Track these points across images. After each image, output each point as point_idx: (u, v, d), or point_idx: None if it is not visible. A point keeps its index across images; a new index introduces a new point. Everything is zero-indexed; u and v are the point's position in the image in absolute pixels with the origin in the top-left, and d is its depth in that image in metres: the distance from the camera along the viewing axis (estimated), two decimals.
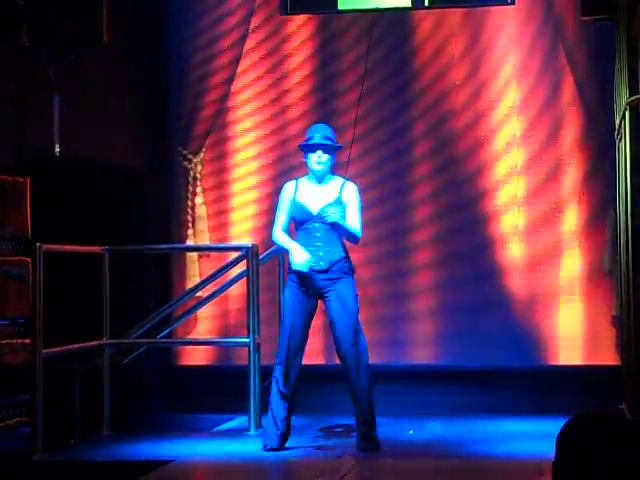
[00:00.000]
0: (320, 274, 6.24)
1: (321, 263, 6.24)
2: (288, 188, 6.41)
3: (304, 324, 6.32)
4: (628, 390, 6.63)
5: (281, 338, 6.34)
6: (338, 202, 6.28)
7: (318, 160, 6.30)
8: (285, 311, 6.34)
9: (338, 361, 6.48)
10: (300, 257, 6.18)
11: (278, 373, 6.34)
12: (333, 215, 6.16)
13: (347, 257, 6.32)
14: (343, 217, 6.24)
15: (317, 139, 6.31)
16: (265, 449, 6.31)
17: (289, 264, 6.33)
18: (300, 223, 6.33)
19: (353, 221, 6.27)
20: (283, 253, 7.81)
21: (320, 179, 6.35)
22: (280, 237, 6.38)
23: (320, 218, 6.23)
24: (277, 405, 6.33)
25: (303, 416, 7.71)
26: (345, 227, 6.23)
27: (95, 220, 7.62)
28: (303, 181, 6.41)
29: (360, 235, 6.30)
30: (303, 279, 6.25)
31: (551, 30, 8.19)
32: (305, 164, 6.40)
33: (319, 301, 6.34)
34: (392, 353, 8.19)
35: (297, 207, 6.33)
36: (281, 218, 6.40)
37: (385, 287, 8.32)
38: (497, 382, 7.80)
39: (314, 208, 6.28)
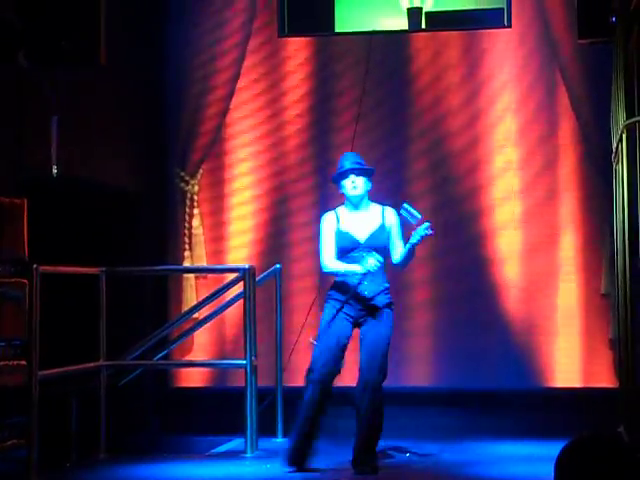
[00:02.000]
0: (362, 302, 6.28)
1: (366, 292, 6.28)
2: (329, 218, 6.44)
3: (338, 346, 6.31)
4: (625, 413, 6.62)
5: (313, 358, 6.36)
6: (382, 228, 6.35)
7: (353, 185, 6.36)
8: (320, 332, 6.36)
9: (336, 383, 6.47)
10: (364, 263, 6.21)
11: (308, 393, 6.36)
12: (373, 264, 6.19)
13: (389, 288, 6.36)
14: (384, 245, 6.29)
15: (348, 165, 6.40)
16: (288, 470, 6.30)
17: (331, 286, 6.37)
18: (346, 252, 6.34)
19: (399, 246, 6.33)
20: (279, 275, 7.82)
21: (357, 205, 6.40)
22: (335, 264, 6.34)
23: (367, 247, 6.28)
24: (303, 425, 6.33)
25: None
26: (402, 263, 6.32)
27: (92, 241, 7.63)
28: (342, 210, 6.46)
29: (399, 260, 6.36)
30: (344, 304, 6.28)
31: (547, 53, 8.22)
32: (340, 195, 6.44)
33: (355, 328, 6.36)
34: (390, 374, 8.16)
35: (342, 236, 6.35)
36: (329, 248, 6.38)
37: None
38: (494, 404, 7.79)
39: (361, 236, 6.33)
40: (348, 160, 6.44)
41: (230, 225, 8.60)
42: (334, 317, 6.29)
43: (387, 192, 8.29)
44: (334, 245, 6.36)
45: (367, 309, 6.30)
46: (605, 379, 7.91)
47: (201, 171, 8.60)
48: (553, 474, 2.69)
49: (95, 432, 7.07)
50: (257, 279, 7.40)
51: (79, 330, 7.24)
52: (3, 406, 6.21)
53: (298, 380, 8.17)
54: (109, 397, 7.16)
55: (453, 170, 8.33)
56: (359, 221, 6.38)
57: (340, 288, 6.33)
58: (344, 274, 6.29)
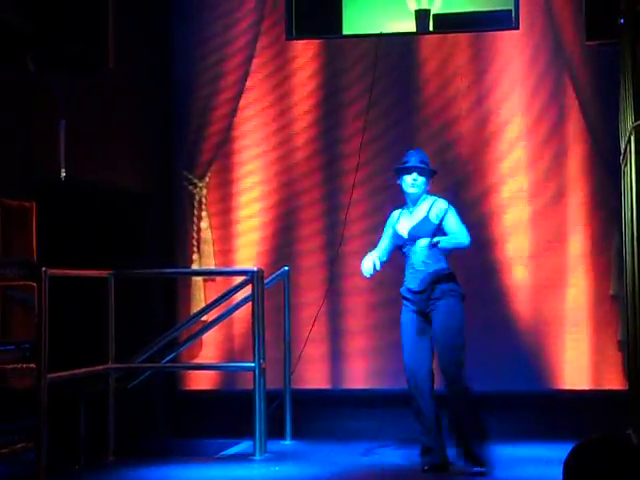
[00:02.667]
0: (423, 294, 6.33)
1: (420, 285, 6.34)
2: (394, 214, 6.58)
3: (422, 342, 6.34)
4: (634, 415, 6.61)
5: (406, 368, 6.39)
6: (425, 221, 6.39)
7: (412, 182, 6.42)
8: (402, 333, 6.41)
9: (345, 386, 6.48)
10: (365, 263, 6.34)
11: (413, 396, 6.36)
12: (424, 244, 6.27)
13: (450, 275, 6.39)
14: (430, 234, 6.31)
15: (413, 162, 6.44)
16: (424, 469, 6.33)
17: (401, 291, 6.44)
18: (399, 248, 6.46)
19: (453, 231, 6.34)
20: (287, 277, 7.83)
21: (414, 202, 6.47)
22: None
23: (411, 241, 6.36)
24: (427, 426, 6.35)
25: (309, 440, 7.70)
26: (442, 245, 6.31)
27: (100, 244, 7.64)
28: (404, 209, 6.55)
29: (466, 241, 6.37)
30: (412, 299, 6.36)
31: (556, 55, 8.20)
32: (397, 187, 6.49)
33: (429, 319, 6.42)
34: (397, 377, 8.17)
35: (394, 233, 6.49)
36: (382, 243, 6.56)
37: (387, 311, 8.30)
38: (503, 406, 7.77)
39: (403, 231, 6.43)
40: (414, 157, 6.48)
41: (238, 228, 8.61)
42: (408, 317, 6.38)
43: (396, 197, 8.30)
44: (387, 241, 6.52)
45: (429, 300, 6.32)
46: (614, 381, 7.90)
47: (209, 174, 8.61)
48: (561, 476, 2.69)
49: (104, 435, 7.08)
50: (265, 282, 7.40)
51: (88, 333, 7.25)
52: (12, 409, 6.22)
53: (306, 382, 8.19)
54: (118, 400, 7.17)
55: (461, 173, 8.32)
56: (409, 217, 6.46)
57: (404, 285, 6.43)
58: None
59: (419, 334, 6.36)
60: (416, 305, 6.37)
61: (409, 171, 6.43)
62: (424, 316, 6.38)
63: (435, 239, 6.28)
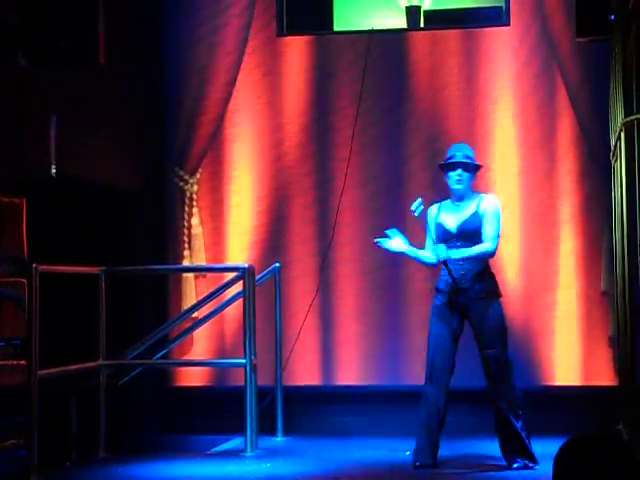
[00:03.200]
0: (463, 292, 6.31)
1: (463, 281, 6.31)
2: (432, 210, 6.54)
3: (450, 343, 6.36)
4: (625, 411, 6.62)
5: (428, 358, 6.39)
6: (475, 215, 6.39)
7: (458, 179, 6.40)
8: (431, 329, 6.40)
9: (336, 382, 6.49)
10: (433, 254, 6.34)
11: (427, 393, 6.35)
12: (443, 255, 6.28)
13: (491, 275, 6.39)
14: (475, 233, 6.33)
15: (458, 158, 6.41)
16: (415, 466, 6.33)
17: (436, 284, 6.44)
18: (443, 242, 6.39)
19: (487, 232, 6.36)
20: (278, 274, 7.83)
21: (460, 198, 6.45)
22: (419, 253, 6.52)
23: (460, 236, 6.34)
24: (427, 425, 6.34)
25: (300, 437, 7.70)
26: (465, 256, 6.32)
27: (91, 241, 7.63)
28: (446, 203, 6.53)
29: (491, 249, 6.37)
30: (448, 297, 6.34)
31: (546, 51, 8.21)
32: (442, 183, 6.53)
33: (465, 320, 6.42)
34: (389, 372, 8.18)
35: (438, 226, 6.44)
36: (427, 240, 6.53)
37: (378, 305, 8.30)
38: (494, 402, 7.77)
39: (452, 226, 6.40)
40: (460, 152, 6.45)
41: (229, 224, 8.60)
42: (441, 315, 6.37)
43: (385, 189, 8.33)
44: (430, 236, 6.47)
45: (469, 299, 6.31)
46: (604, 377, 7.91)
47: (200, 170, 8.60)
48: (552, 472, 2.69)
49: (95, 431, 7.08)
50: (257, 278, 7.41)
51: (78, 329, 7.24)
52: (3, 406, 6.22)
53: (298, 379, 8.19)
54: (109, 396, 7.17)
55: None
56: (456, 211, 6.44)
57: (442, 280, 6.40)
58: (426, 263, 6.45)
59: (449, 329, 6.35)
60: (453, 303, 6.35)
61: (454, 167, 6.40)
62: (460, 316, 6.37)
63: (451, 253, 6.26)
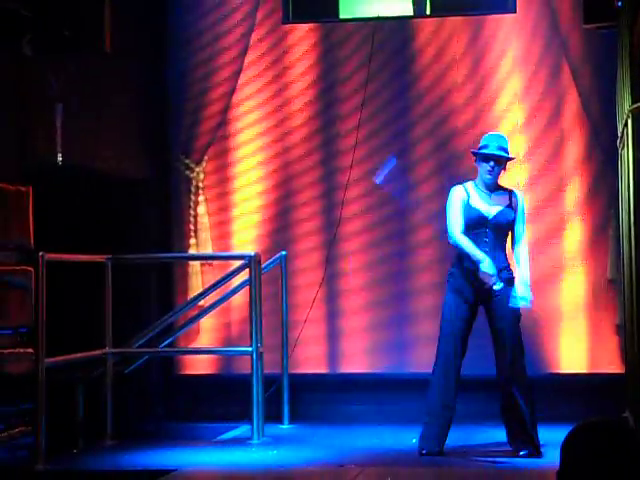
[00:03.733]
0: (483, 282, 6.28)
1: (489, 271, 6.28)
2: (459, 191, 6.44)
3: (464, 330, 6.35)
4: (631, 398, 6.62)
5: (440, 344, 6.37)
6: (509, 208, 6.40)
7: (490, 170, 6.37)
8: (445, 316, 6.38)
9: (342, 370, 6.49)
10: (489, 269, 6.23)
11: (437, 380, 6.34)
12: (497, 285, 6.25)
13: (510, 265, 6.39)
14: (509, 225, 6.36)
15: (492, 149, 6.37)
16: (421, 453, 6.32)
17: (451, 267, 6.40)
18: (472, 227, 6.35)
19: (520, 231, 6.41)
20: (284, 262, 7.83)
21: (489, 187, 6.43)
22: (464, 241, 6.34)
23: (494, 224, 6.33)
24: (436, 412, 6.32)
25: (306, 424, 7.71)
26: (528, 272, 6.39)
27: (97, 229, 7.63)
28: (471, 187, 6.46)
29: (527, 251, 6.46)
30: (466, 284, 6.31)
31: (553, 38, 8.17)
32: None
33: (479, 308, 6.41)
34: (394, 360, 8.18)
35: (471, 211, 6.37)
36: (459, 220, 6.37)
37: (383, 293, 8.30)
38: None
39: (489, 213, 6.36)
40: (495, 142, 6.40)
41: (235, 212, 8.59)
42: (456, 302, 6.33)
43: (391, 178, 8.32)
44: (462, 218, 6.37)
45: (489, 288, 6.28)
46: (611, 365, 7.90)
47: (206, 158, 8.59)
48: (559, 459, 2.69)
49: (101, 419, 7.09)
50: (263, 266, 7.40)
51: (85, 318, 7.25)
52: (10, 393, 6.23)
53: (304, 367, 8.19)
54: (115, 384, 7.18)
55: (456, 156, 8.29)
56: (488, 199, 6.41)
57: (463, 267, 6.33)
58: (468, 254, 6.28)
59: (466, 322, 6.35)
60: (472, 290, 6.32)
61: (487, 158, 6.38)
62: (476, 304, 6.36)
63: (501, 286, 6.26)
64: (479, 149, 6.42)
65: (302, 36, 8.56)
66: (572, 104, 8.16)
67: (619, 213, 7.15)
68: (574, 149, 8.18)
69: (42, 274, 6.27)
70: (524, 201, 6.53)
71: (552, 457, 2.84)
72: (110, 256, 7.20)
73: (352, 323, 8.31)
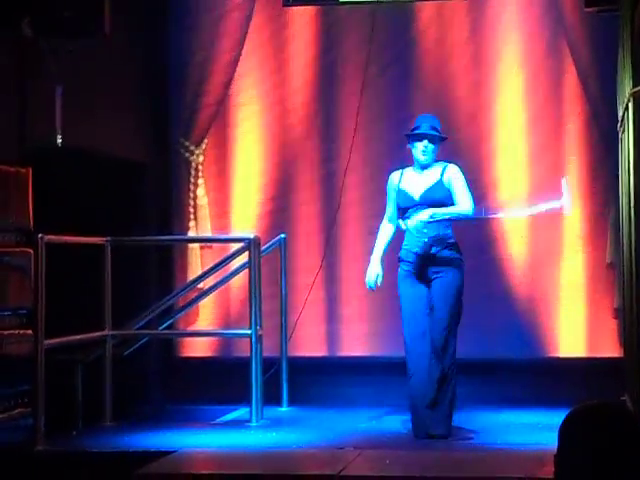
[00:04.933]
0: (426, 260, 6.34)
1: (427, 248, 6.34)
2: (393, 177, 6.56)
3: (422, 308, 6.37)
4: (630, 381, 6.63)
5: (404, 328, 6.42)
6: (439, 184, 6.42)
7: (424, 150, 6.42)
8: (402, 300, 6.43)
9: (341, 353, 6.52)
10: (370, 274, 6.48)
11: (410, 364, 6.37)
12: (422, 217, 6.30)
13: (455, 244, 6.41)
14: (441, 201, 6.35)
15: (424, 129, 6.43)
16: (416, 437, 6.38)
17: (399, 252, 6.46)
18: (404, 210, 6.45)
19: (461, 198, 6.39)
20: (284, 244, 7.83)
21: (423, 167, 6.48)
22: (379, 237, 6.61)
23: (423, 204, 6.37)
24: (417, 395, 6.36)
25: (305, 407, 7.73)
26: (446, 215, 6.35)
27: (97, 211, 7.62)
28: (408, 170, 6.55)
29: (470, 212, 6.44)
30: (413, 265, 6.37)
31: (554, 21, 8.16)
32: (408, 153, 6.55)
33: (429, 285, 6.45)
34: (396, 344, 8.19)
35: (401, 194, 6.46)
36: (389, 209, 6.58)
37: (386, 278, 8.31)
38: (498, 373, 7.80)
39: (416, 194, 6.41)
40: (426, 123, 6.45)
41: (235, 194, 8.59)
42: (408, 283, 6.38)
43: (391, 162, 8.28)
44: (393, 205, 6.52)
45: (434, 266, 6.34)
46: (610, 348, 7.92)
47: (205, 140, 8.58)
48: (557, 442, 2.70)
49: (100, 401, 7.10)
50: (262, 249, 7.40)
51: (84, 300, 7.25)
52: (9, 375, 6.24)
53: (303, 349, 8.21)
54: (114, 366, 7.19)
55: (458, 146, 8.28)
56: (418, 179, 6.46)
57: (407, 250, 6.41)
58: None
59: (420, 299, 6.37)
60: (416, 269, 6.37)
61: (420, 138, 6.42)
62: (424, 281, 6.38)
63: (434, 214, 6.27)
64: (412, 130, 6.46)
65: (303, 18, 8.53)
66: (571, 87, 8.14)
67: (619, 196, 7.15)
68: (573, 132, 8.17)
69: (41, 256, 6.27)
70: (459, 170, 6.48)
71: (550, 440, 2.85)
72: (109, 238, 7.20)
73: (352, 306, 8.32)
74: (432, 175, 6.46)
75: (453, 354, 6.35)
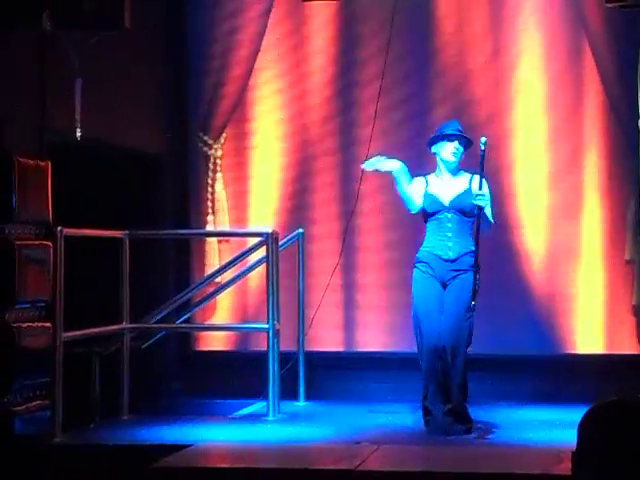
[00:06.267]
0: (447, 263, 6.36)
1: (450, 253, 6.37)
2: (419, 180, 6.53)
3: (437, 307, 6.37)
4: None
5: (416, 327, 6.42)
6: (468, 192, 6.41)
7: (454, 151, 6.41)
8: (416, 298, 6.41)
9: (358, 348, 6.52)
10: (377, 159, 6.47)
11: (424, 362, 6.38)
12: (483, 199, 6.29)
13: (476, 251, 6.38)
14: (470, 209, 6.38)
15: (453, 130, 6.43)
16: (429, 432, 6.39)
17: (417, 252, 6.46)
18: (432, 214, 6.43)
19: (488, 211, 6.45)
20: (301, 239, 7.83)
21: (451, 171, 6.46)
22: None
23: (452, 209, 6.36)
24: (432, 392, 6.38)
25: (322, 402, 7.73)
26: (487, 215, 6.40)
27: (115, 205, 7.64)
28: (431, 177, 6.53)
29: (492, 226, 6.51)
30: (430, 264, 6.36)
31: (574, 17, 8.11)
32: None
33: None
34: (411, 338, 8.17)
35: (429, 198, 6.43)
36: (408, 196, 6.50)
37: (401, 273, 8.29)
38: (516, 370, 7.78)
39: (446, 199, 6.41)
40: (455, 126, 6.47)
41: (253, 189, 8.58)
42: (424, 281, 6.37)
43: (411, 154, 8.28)
44: (413, 194, 6.44)
45: (452, 270, 6.34)
46: (628, 345, 7.89)
47: (224, 134, 8.58)
48: (576, 439, 2.69)
49: (118, 394, 7.12)
50: (280, 243, 7.41)
51: (102, 293, 7.27)
52: (28, 367, 6.26)
53: (320, 344, 8.21)
54: (132, 359, 7.21)
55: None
56: (447, 185, 6.45)
57: (428, 251, 6.41)
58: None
59: (435, 300, 6.36)
60: (437, 272, 6.35)
61: (451, 139, 6.39)
62: (440, 282, 6.39)
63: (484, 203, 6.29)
64: (440, 133, 6.45)
65: (322, 11, 8.50)
66: (593, 83, 8.09)
67: (638, 193, 7.12)
68: (595, 130, 8.12)
69: (60, 248, 6.29)
70: (486, 183, 6.46)
71: (567, 437, 2.84)
72: (127, 231, 7.21)
73: (369, 301, 8.31)
74: (461, 182, 6.47)
75: (465, 353, 6.35)
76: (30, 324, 6.31)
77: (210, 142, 8.57)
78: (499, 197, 7.98)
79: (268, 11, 8.48)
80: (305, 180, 8.51)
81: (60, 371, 6.23)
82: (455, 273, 6.36)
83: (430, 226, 6.49)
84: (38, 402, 6.33)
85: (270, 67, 8.56)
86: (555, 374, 7.82)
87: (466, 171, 6.57)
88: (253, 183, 8.59)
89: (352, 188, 8.27)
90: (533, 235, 8.18)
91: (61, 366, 6.24)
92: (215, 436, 6.40)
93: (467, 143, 6.48)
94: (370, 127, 8.03)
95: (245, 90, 8.54)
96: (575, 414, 2.94)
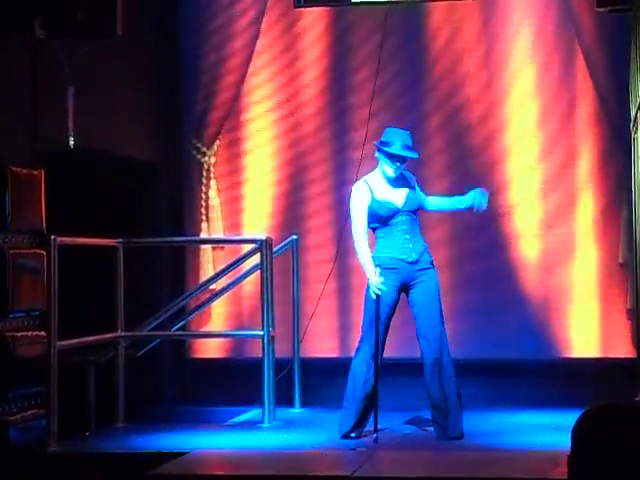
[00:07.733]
0: (412, 265, 6.34)
1: (413, 254, 6.36)
2: (361, 189, 6.41)
3: (389, 317, 6.39)
4: None
5: (366, 333, 6.42)
6: (414, 192, 6.47)
7: (396, 169, 6.37)
8: (369, 305, 6.37)
9: (353, 354, 6.51)
10: (376, 282, 6.23)
11: (361, 366, 6.44)
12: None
13: (427, 247, 6.46)
14: (420, 206, 6.52)
15: (399, 149, 6.33)
16: (340, 436, 6.42)
17: (375, 259, 6.38)
18: (385, 220, 6.37)
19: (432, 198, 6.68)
20: (295, 246, 7.83)
21: (390, 179, 6.45)
22: (363, 250, 6.35)
23: (406, 211, 6.37)
24: (353, 397, 6.42)
25: (317, 408, 7.72)
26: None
27: (109, 212, 7.64)
28: (373, 179, 6.46)
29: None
30: (399, 269, 6.33)
31: (565, 21, 8.13)
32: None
33: (402, 294, 6.44)
34: (407, 346, 8.17)
35: (379, 204, 6.37)
36: (363, 223, 6.37)
37: None
38: (512, 374, 7.78)
39: (398, 202, 6.38)
40: (401, 141, 6.34)
41: (247, 196, 8.59)
42: (390, 290, 6.32)
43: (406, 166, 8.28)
44: (365, 219, 6.36)
45: (417, 271, 6.34)
46: (623, 349, 7.89)
47: (217, 142, 8.58)
48: (570, 443, 2.69)
49: (113, 402, 7.12)
50: (274, 250, 7.40)
51: (97, 301, 7.27)
52: (22, 376, 6.25)
53: (315, 351, 8.20)
54: (127, 367, 7.20)
55: (469, 145, 8.27)
56: (394, 188, 6.41)
57: (389, 257, 6.36)
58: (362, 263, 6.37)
59: (394, 307, 6.39)
60: (402, 276, 6.34)
61: (394, 160, 6.36)
62: (399, 290, 6.39)
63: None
64: (383, 144, 6.38)
65: (314, 19, 8.52)
66: (584, 87, 8.11)
67: (631, 197, 7.13)
68: (585, 133, 8.14)
69: (54, 257, 6.28)
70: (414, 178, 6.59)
71: (563, 441, 2.84)
72: (122, 239, 7.21)
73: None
74: (403, 182, 6.46)
75: (449, 352, 6.37)
76: (24, 333, 6.30)
77: (203, 149, 8.57)
78: (496, 207, 7.99)
79: (260, 18, 8.49)
80: (299, 186, 8.50)
81: (55, 380, 6.22)
82: (420, 273, 6.35)
83: (383, 231, 6.40)
84: (33, 411, 6.32)
85: (262, 72, 8.56)
86: (550, 378, 7.82)
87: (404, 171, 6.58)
88: (247, 189, 8.59)
89: (345, 193, 8.27)
90: (528, 241, 8.17)
91: (56, 375, 6.23)
92: (211, 443, 6.40)
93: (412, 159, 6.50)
94: (364, 131, 8.04)
95: (237, 97, 8.55)
96: (571, 418, 2.94)
